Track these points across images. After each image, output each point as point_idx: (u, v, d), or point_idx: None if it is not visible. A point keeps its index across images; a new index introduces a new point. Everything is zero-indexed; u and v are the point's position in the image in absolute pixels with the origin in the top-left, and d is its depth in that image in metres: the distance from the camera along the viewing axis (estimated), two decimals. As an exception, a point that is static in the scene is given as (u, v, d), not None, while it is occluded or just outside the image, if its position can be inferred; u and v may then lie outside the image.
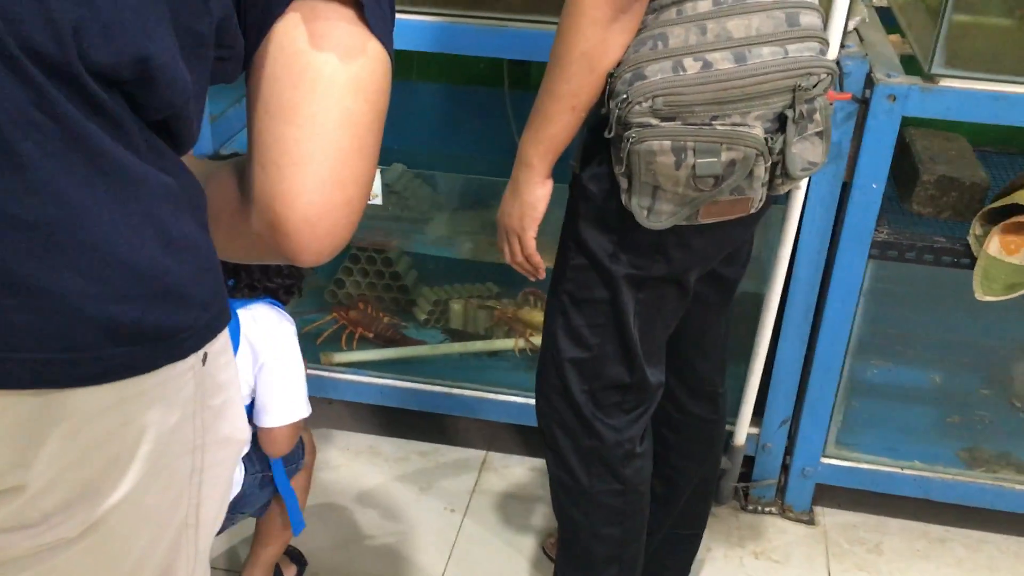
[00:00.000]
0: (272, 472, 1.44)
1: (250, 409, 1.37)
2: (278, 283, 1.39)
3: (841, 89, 1.48)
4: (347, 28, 0.66)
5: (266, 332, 1.36)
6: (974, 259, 1.55)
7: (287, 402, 1.36)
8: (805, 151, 1.09)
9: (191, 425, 0.71)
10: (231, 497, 1.30)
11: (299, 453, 1.50)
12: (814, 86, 1.05)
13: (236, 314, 1.33)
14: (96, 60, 0.58)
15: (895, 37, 1.67)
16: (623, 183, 1.10)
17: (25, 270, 0.58)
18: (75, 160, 0.59)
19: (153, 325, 0.63)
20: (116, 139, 0.61)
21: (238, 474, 1.37)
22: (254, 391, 1.36)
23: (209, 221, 0.73)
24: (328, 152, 0.67)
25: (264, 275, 1.37)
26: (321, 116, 0.66)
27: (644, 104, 1.04)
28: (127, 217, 0.61)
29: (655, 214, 1.10)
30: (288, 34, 0.66)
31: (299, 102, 0.66)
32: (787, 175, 1.10)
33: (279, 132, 0.67)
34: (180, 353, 0.66)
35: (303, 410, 1.39)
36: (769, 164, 1.08)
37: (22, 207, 0.57)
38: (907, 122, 1.52)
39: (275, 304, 1.40)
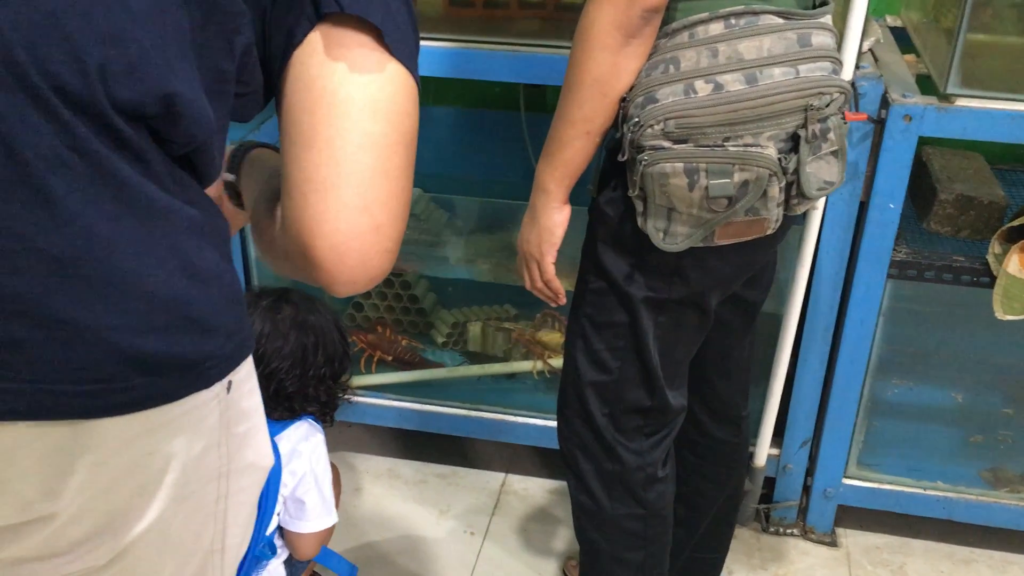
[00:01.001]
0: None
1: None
2: (314, 408, 1.44)
3: (857, 109, 1.48)
4: (364, 52, 0.66)
5: (300, 444, 1.41)
6: (993, 278, 1.54)
7: (323, 509, 1.42)
8: (820, 170, 1.09)
9: (216, 453, 0.71)
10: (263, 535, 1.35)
11: None
12: (827, 105, 1.05)
13: (276, 443, 1.37)
14: (122, 97, 0.59)
15: (910, 57, 1.68)
16: (638, 206, 1.11)
17: (53, 303, 0.59)
18: (102, 194, 0.60)
19: (178, 355, 0.64)
20: (142, 173, 0.62)
21: (280, 570, 1.44)
22: (285, 499, 1.41)
23: (262, 239, 0.73)
24: (349, 176, 0.66)
25: (304, 400, 1.42)
26: (339, 139, 0.65)
27: (656, 127, 1.04)
28: (153, 249, 0.62)
29: (671, 236, 1.10)
30: (305, 62, 0.66)
31: (317, 126, 0.66)
32: (803, 195, 1.10)
33: (301, 158, 0.66)
34: (205, 382, 0.67)
35: (334, 516, 1.44)
36: (784, 184, 1.08)
37: (50, 241, 0.58)
38: (923, 141, 1.52)
39: (309, 418, 1.45)
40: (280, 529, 1.43)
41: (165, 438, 0.66)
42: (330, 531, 1.46)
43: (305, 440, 1.41)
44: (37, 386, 0.59)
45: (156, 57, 0.60)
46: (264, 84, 0.71)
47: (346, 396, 1.50)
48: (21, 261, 0.58)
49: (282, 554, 1.44)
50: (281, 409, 1.41)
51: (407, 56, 0.68)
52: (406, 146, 0.68)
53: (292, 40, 0.67)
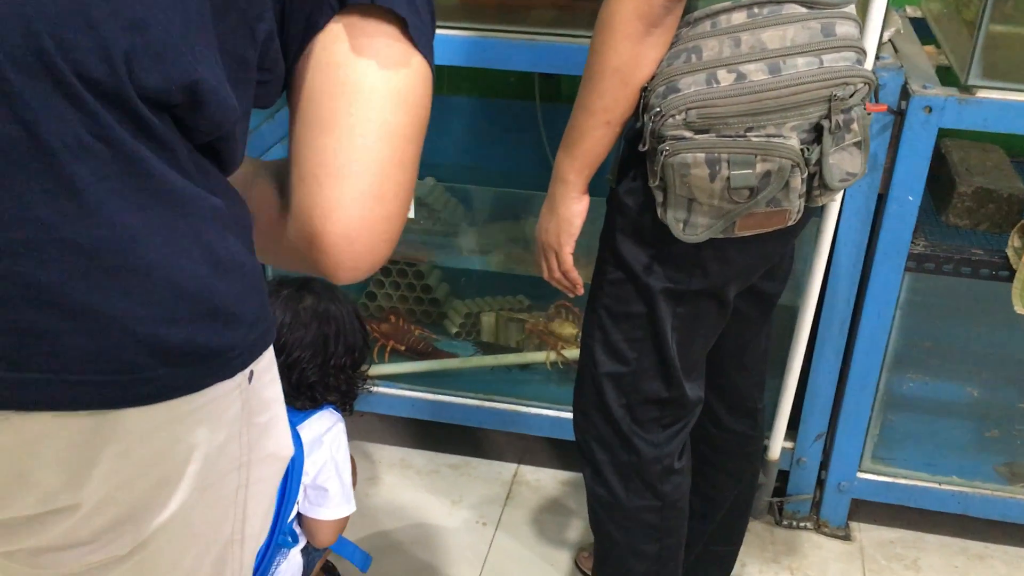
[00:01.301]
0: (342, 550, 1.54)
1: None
2: (336, 398, 1.44)
3: (876, 101, 1.46)
4: (389, 42, 0.66)
5: (324, 434, 1.42)
6: (1013, 272, 1.53)
7: (342, 497, 1.43)
8: (843, 161, 1.08)
9: (237, 442, 0.71)
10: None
11: None
12: (851, 96, 1.04)
13: (298, 431, 1.39)
14: (147, 85, 0.59)
15: (930, 48, 1.66)
16: (658, 196, 1.10)
17: (78, 293, 0.59)
18: (127, 183, 0.59)
19: (202, 345, 0.64)
20: (166, 162, 0.61)
21: (298, 558, 1.45)
22: (306, 487, 1.42)
23: (260, 232, 0.73)
24: (368, 164, 0.66)
25: (325, 389, 1.42)
26: (360, 127, 0.66)
27: (678, 117, 1.03)
28: (177, 239, 0.62)
29: (691, 227, 1.10)
30: (328, 48, 0.66)
31: (338, 113, 0.66)
32: (825, 186, 1.09)
33: (318, 143, 0.66)
34: (228, 372, 0.67)
35: (352, 505, 1.45)
36: (806, 175, 1.07)
37: (75, 231, 0.58)
38: (943, 133, 1.51)
39: (329, 407, 1.46)
40: (299, 517, 1.43)
41: (188, 428, 0.66)
42: (347, 520, 1.46)
43: (328, 430, 1.42)
44: (61, 376, 0.59)
45: (181, 44, 0.60)
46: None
47: (366, 386, 1.50)
48: (46, 251, 0.57)
49: (301, 542, 1.45)
50: (303, 399, 1.41)
51: (427, 46, 0.68)
52: (419, 137, 0.69)
53: (314, 27, 0.66)
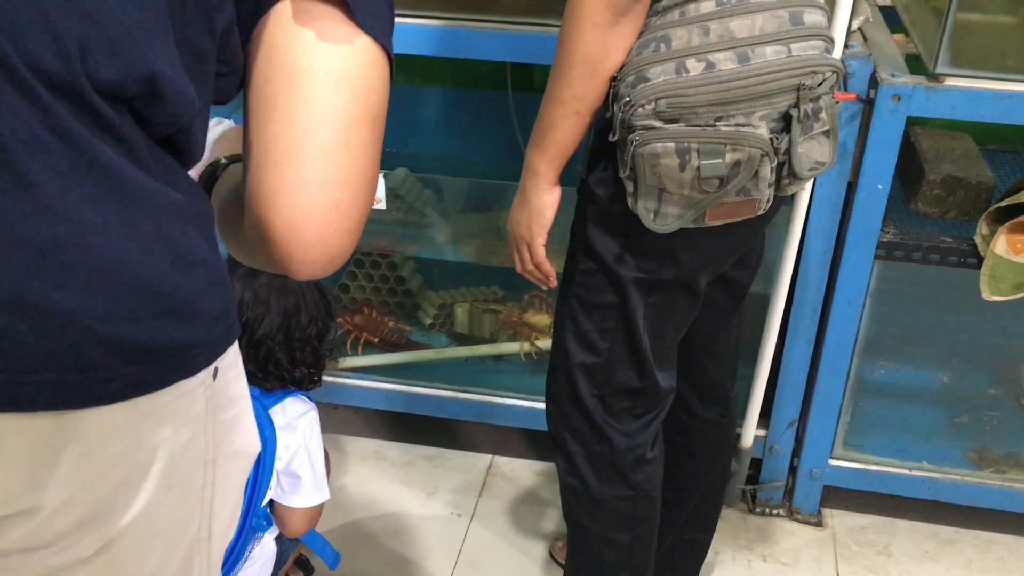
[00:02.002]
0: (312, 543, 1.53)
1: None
2: (303, 372, 1.43)
3: (845, 89, 1.47)
4: (332, 24, 0.64)
5: (296, 420, 1.41)
6: (981, 259, 1.54)
7: (314, 485, 1.42)
8: (812, 151, 1.09)
9: (203, 440, 0.70)
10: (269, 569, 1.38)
11: None
12: (819, 85, 1.04)
13: (270, 415, 1.38)
14: (102, 77, 0.58)
15: (899, 36, 1.67)
16: (629, 186, 1.10)
17: (36, 291, 0.57)
18: (84, 178, 0.58)
19: (164, 342, 0.63)
20: (124, 156, 0.60)
21: (271, 545, 1.45)
22: (279, 473, 1.41)
23: (230, 230, 0.72)
24: (308, 148, 0.63)
25: (292, 365, 1.41)
26: (300, 110, 0.63)
27: (647, 107, 1.03)
28: (136, 234, 0.61)
29: (661, 217, 1.10)
30: (270, 31, 0.65)
31: (277, 96, 0.64)
32: (794, 175, 1.09)
33: (260, 130, 0.65)
34: (192, 369, 0.66)
35: (325, 493, 1.44)
36: (775, 164, 1.07)
37: (31, 228, 0.57)
38: (912, 121, 1.52)
39: (302, 394, 1.45)
40: (271, 505, 1.43)
41: (151, 427, 0.65)
42: (320, 508, 1.45)
43: (300, 416, 1.41)
44: (19, 377, 0.58)
45: (137, 35, 0.59)
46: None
47: (333, 357, 1.49)
48: (0, 249, 0.56)
49: (275, 529, 1.44)
50: (272, 378, 1.40)
51: (380, 32, 0.66)
52: (372, 121, 0.66)
53: (259, 10, 0.65)
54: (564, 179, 1.19)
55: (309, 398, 1.46)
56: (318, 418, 1.45)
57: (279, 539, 1.46)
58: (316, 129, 0.63)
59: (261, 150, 0.64)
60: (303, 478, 1.40)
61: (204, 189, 0.81)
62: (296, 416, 1.41)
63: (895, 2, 1.83)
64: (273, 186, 0.64)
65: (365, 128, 0.65)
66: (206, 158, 0.86)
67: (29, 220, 0.57)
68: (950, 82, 1.46)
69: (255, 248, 0.70)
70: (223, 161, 0.82)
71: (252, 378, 1.37)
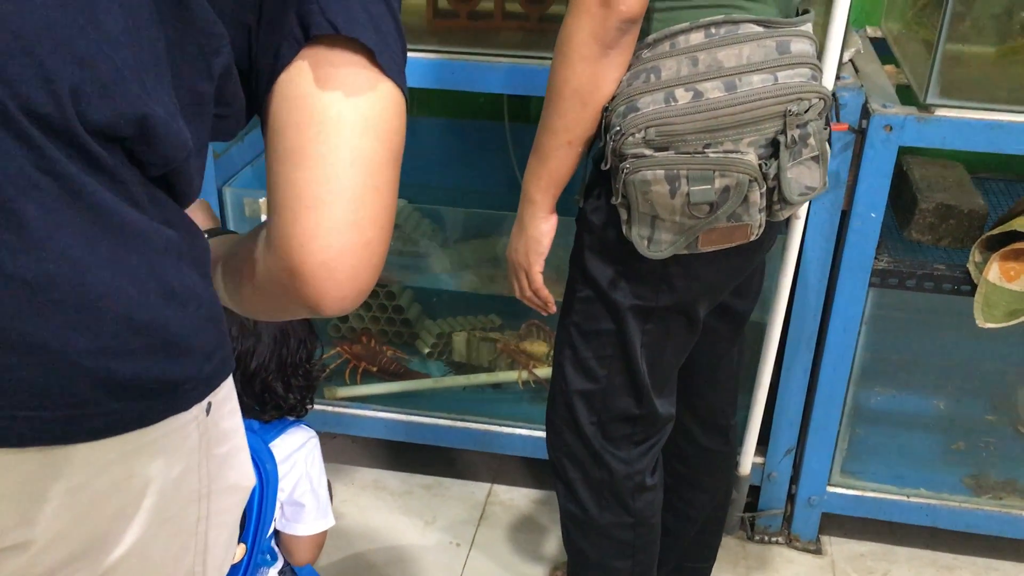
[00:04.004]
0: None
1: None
2: (296, 398, 1.43)
3: (838, 120, 1.49)
4: (356, 71, 0.65)
5: (298, 451, 1.41)
6: (974, 286, 1.56)
7: (318, 512, 1.42)
8: (801, 176, 1.10)
9: (196, 474, 0.71)
10: None
11: None
12: (806, 111, 1.06)
13: (271, 449, 1.38)
14: (95, 119, 0.58)
15: (890, 67, 1.69)
16: (623, 214, 1.11)
17: (26, 328, 0.58)
18: (75, 217, 0.59)
19: (156, 378, 0.63)
20: (117, 194, 0.61)
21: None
22: (283, 504, 1.41)
23: (240, 283, 0.72)
24: (341, 192, 0.65)
25: (286, 391, 1.41)
26: (331, 156, 0.65)
27: (637, 135, 1.05)
28: (128, 271, 0.61)
29: (655, 243, 1.11)
30: (294, 80, 0.66)
31: (306, 144, 0.65)
32: (784, 200, 1.10)
33: (291, 176, 0.66)
34: (184, 404, 0.66)
35: (330, 519, 1.44)
36: (764, 190, 1.09)
37: (21, 265, 0.57)
38: (904, 151, 1.54)
39: (301, 422, 1.45)
40: (276, 535, 1.43)
41: (143, 462, 0.65)
42: (324, 535, 1.45)
43: (301, 446, 1.41)
44: (9, 413, 0.58)
45: (130, 78, 0.60)
46: (247, 103, 0.70)
47: (322, 373, 1.49)
48: None
49: (279, 563, 1.44)
50: (270, 408, 1.40)
51: (397, 73, 0.68)
52: (394, 162, 0.68)
53: (279, 60, 0.66)
54: (561, 209, 1.21)
55: (308, 425, 1.46)
56: (319, 444, 1.45)
57: (283, 573, 1.46)
58: (346, 173, 0.65)
59: (293, 195, 0.65)
60: (307, 506, 1.40)
61: None
62: (298, 446, 1.41)
63: (886, 34, 1.86)
64: (307, 230, 0.65)
65: (389, 168, 0.67)
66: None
67: (20, 258, 0.57)
68: (941, 112, 1.48)
69: (276, 294, 0.70)
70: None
71: (250, 411, 1.37)
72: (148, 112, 0.60)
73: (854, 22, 1.87)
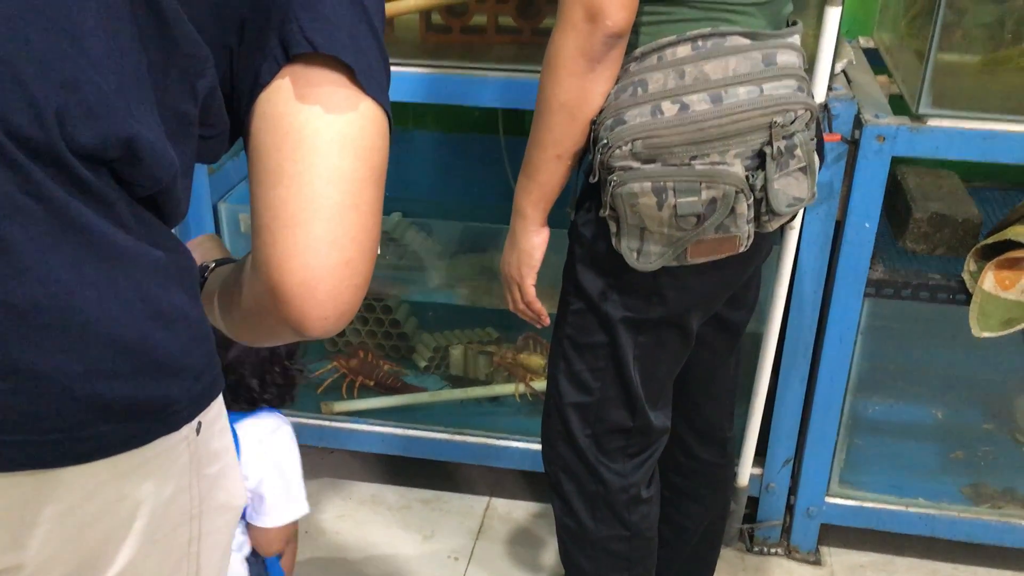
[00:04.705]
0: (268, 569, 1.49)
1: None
2: (273, 393, 1.42)
3: (830, 130, 1.50)
4: (334, 89, 0.65)
5: (267, 437, 1.40)
6: (969, 295, 1.56)
7: (288, 503, 1.40)
8: (789, 187, 1.10)
9: (187, 495, 0.70)
10: None
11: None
12: (791, 123, 1.07)
13: (235, 429, 1.36)
14: (81, 142, 0.58)
15: (883, 78, 1.70)
16: (612, 226, 1.12)
17: (14, 352, 0.58)
18: (62, 241, 0.59)
19: (145, 400, 0.63)
20: (103, 216, 0.61)
21: (240, 568, 1.41)
22: (251, 492, 1.39)
23: (230, 308, 0.72)
24: (317, 211, 0.64)
25: (262, 388, 1.40)
26: (307, 174, 0.64)
27: (624, 148, 1.06)
28: (116, 294, 0.61)
29: (644, 255, 1.11)
30: (272, 100, 0.66)
31: (284, 162, 0.65)
32: (772, 211, 1.10)
33: (269, 196, 0.65)
34: (174, 425, 0.66)
35: (303, 506, 1.42)
36: (751, 201, 1.09)
37: (7, 289, 0.57)
38: (897, 161, 1.54)
39: (273, 411, 1.44)
40: (245, 523, 1.40)
41: (133, 483, 0.65)
42: (295, 525, 1.42)
43: (272, 433, 1.39)
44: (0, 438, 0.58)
45: (115, 101, 0.60)
46: (231, 124, 0.70)
47: (303, 373, 1.48)
48: None
49: (245, 549, 1.41)
50: (241, 401, 1.39)
51: (378, 91, 0.67)
52: (375, 181, 0.67)
53: (259, 80, 0.66)
54: (553, 222, 1.21)
55: (278, 412, 1.43)
56: (291, 432, 1.42)
57: (248, 559, 1.43)
58: (324, 192, 0.64)
59: (271, 215, 0.65)
60: (273, 499, 1.37)
61: None
62: (267, 433, 1.38)
63: (878, 44, 1.87)
64: (285, 249, 0.64)
65: (370, 187, 0.66)
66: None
67: (6, 283, 0.57)
68: (933, 122, 1.49)
69: (262, 316, 0.70)
70: (211, 265, 0.83)
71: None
72: (134, 134, 0.60)
73: (846, 33, 1.88)
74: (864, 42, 1.91)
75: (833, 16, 1.41)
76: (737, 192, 1.06)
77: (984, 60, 1.56)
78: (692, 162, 1.05)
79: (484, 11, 1.68)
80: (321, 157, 0.64)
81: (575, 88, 1.06)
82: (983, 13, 1.52)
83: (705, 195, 1.06)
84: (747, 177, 1.06)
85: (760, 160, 1.07)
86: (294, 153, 0.64)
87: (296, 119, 0.64)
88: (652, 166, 1.06)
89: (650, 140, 1.04)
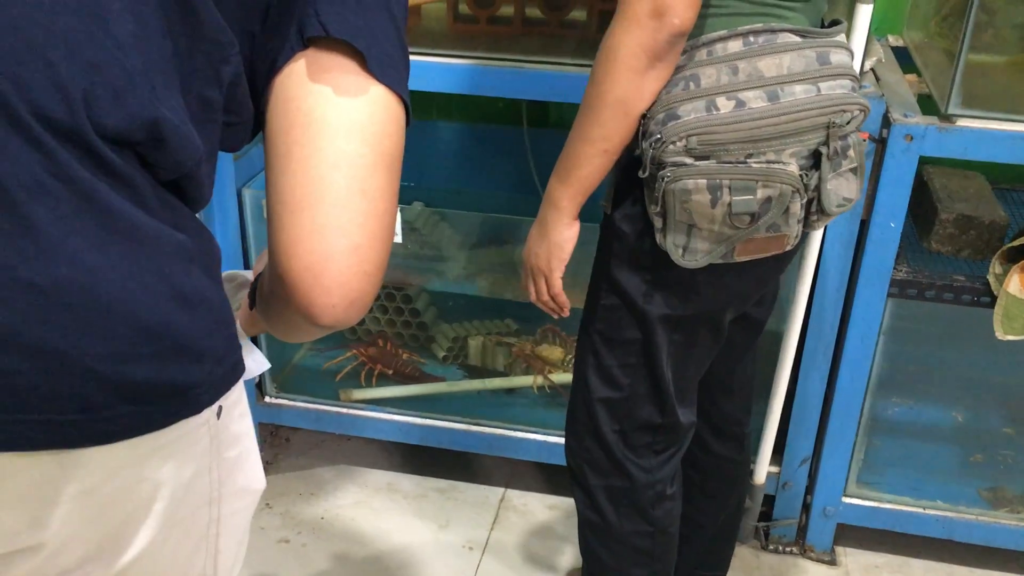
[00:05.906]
0: None
1: None
2: None
3: (859, 129, 1.49)
4: (344, 74, 0.65)
5: None
6: (994, 298, 1.55)
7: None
8: (840, 187, 1.10)
9: (207, 478, 0.71)
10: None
11: None
12: (848, 123, 1.06)
13: None
14: (107, 124, 0.59)
15: (912, 77, 1.69)
16: (657, 222, 1.11)
17: (38, 333, 0.58)
18: (87, 222, 0.59)
19: (167, 382, 0.63)
20: (128, 198, 0.61)
21: None
22: None
23: (259, 301, 0.72)
24: (323, 195, 0.63)
25: None
26: (314, 159, 0.63)
27: (678, 144, 1.05)
28: (140, 276, 0.61)
29: (690, 252, 1.11)
30: (284, 84, 0.66)
31: (292, 147, 0.64)
32: (823, 211, 1.10)
33: (277, 181, 0.65)
34: (195, 408, 0.66)
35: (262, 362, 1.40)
36: (805, 201, 1.08)
37: (33, 270, 0.57)
38: (924, 161, 1.53)
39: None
40: None
41: (154, 465, 0.65)
42: None
43: None
44: (21, 417, 0.59)
45: (141, 83, 0.60)
46: (254, 113, 0.70)
47: None
48: (3, 291, 0.57)
49: None
50: None
51: (394, 80, 0.66)
52: (387, 167, 0.66)
53: (275, 65, 0.66)
54: (582, 215, 1.20)
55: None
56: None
57: None
58: (330, 176, 0.63)
59: (279, 200, 0.65)
60: None
61: (249, 305, 0.81)
62: None
63: (908, 43, 1.86)
64: (291, 234, 0.64)
65: (380, 173, 0.65)
66: (248, 276, 0.86)
67: (31, 263, 0.57)
68: (962, 123, 1.48)
69: (279, 306, 0.69)
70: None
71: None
72: (159, 116, 0.61)
73: (876, 31, 1.87)
74: (893, 40, 1.89)
75: (864, 13, 1.40)
76: (793, 191, 1.06)
77: (1015, 61, 1.55)
78: (748, 160, 1.04)
79: (511, 2, 1.68)
80: (328, 141, 0.64)
81: (633, 85, 1.05)
82: (1015, 13, 1.51)
83: (761, 194, 1.05)
84: (801, 176, 1.06)
85: (814, 160, 1.06)
86: (302, 137, 0.64)
87: (305, 103, 0.64)
88: (707, 163, 1.05)
89: (705, 136, 1.03)
